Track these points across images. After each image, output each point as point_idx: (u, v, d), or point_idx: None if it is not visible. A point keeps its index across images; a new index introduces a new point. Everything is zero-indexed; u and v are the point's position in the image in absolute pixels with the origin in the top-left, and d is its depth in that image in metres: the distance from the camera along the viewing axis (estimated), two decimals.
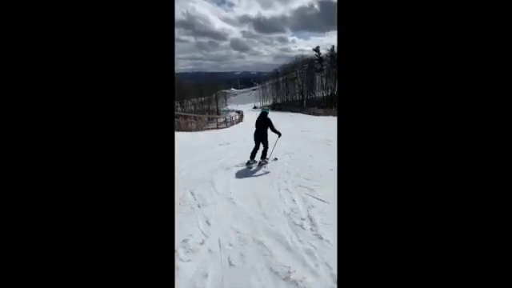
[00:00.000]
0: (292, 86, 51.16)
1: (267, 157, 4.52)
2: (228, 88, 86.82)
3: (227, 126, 15.34)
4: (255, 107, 59.59)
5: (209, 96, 53.44)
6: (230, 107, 53.87)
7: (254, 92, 76.54)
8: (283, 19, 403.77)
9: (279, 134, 4.65)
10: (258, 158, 4.47)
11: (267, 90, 59.74)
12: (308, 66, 48.80)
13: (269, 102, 57.21)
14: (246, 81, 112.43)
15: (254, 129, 4.52)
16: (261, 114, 4.54)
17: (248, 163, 4.29)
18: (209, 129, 13.24)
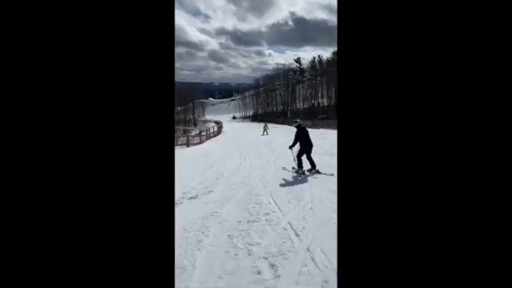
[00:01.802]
0: (273, 97, 49.65)
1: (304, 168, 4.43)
2: (206, 98, 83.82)
3: (201, 142, 12.47)
4: (234, 117, 57.78)
5: (185, 106, 50.44)
6: (208, 117, 51.04)
7: (233, 102, 74.51)
8: (259, 33, 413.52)
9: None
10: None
11: (247, 101, 57.88)
12: (290, 76, 47.67)
13: (249, 113, 55.40)
14: (226, 91, 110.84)
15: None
16: (300, 129, 4.49)
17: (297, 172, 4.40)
18: (177, 144, 10.31)
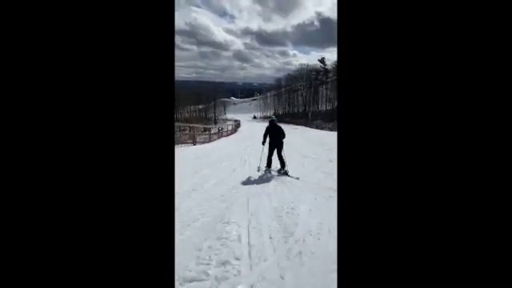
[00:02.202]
0: (295, 98, 48.14)
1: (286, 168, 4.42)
2: (228, 97, 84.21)
3: (210, 140, 11.68)
4: (255, 117, 57.04)
5: (207, 104, 50.65)
6: (229, 116, 50.81)
7: (255, 102, 73.71)
8: (284, 33, 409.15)
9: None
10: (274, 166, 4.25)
11: (268, 101, 56.83)
12: (313, 76, 45.80)
13: (269, 113, 54.34)
14: (248, 91, 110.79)
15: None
16: (272, 125, 4.54)
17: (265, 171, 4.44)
18: (185, 142, 9.60)
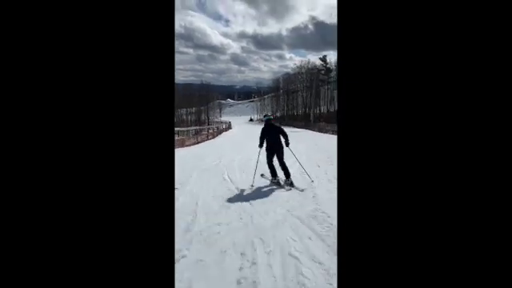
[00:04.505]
0: (294, 98, 44.80)
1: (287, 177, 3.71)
2: (224, 99, 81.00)
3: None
4: (251, 119, 53.74)
5: (198, 107, 47.31)
6: (223, 119, 47.54)
7: (252, 104, 70.41)
8: (280, 37, 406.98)
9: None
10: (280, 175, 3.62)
11: (265, 102, 53.52)
12: (312, 76, 42.43)
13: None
14: (246, 94, 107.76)
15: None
16: (268, 125, 3.82)
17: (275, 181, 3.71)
18: None
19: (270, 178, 3.77)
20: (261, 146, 3.87)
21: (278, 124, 3.91)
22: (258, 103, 57.63)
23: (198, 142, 10.16)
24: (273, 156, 3.74)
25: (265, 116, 3.97)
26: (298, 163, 4.21)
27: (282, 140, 3.70)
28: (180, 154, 7.04)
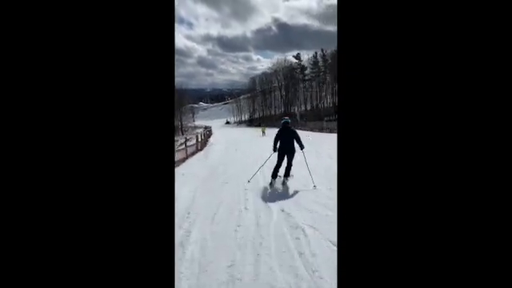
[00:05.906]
0: (272, 98, 43.60)
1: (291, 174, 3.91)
2: (196, 103, 77.65)
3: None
4: (228, 122, 51.63)
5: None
6: (197, 123, 44.69)
7: (226, 106, 68.17)
8: (245, 38, 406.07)
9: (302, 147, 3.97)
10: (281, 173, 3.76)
11: (241, 104, 51.69)
12: (289, 74, 41.59)
13: (244, 117, 49.22)
14: (217, 97, 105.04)
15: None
16: (283, 126, 3.86)
17: (271, 183, 3.76)
18: None
19: (271, 179, 3.81)
20: (275, 149, 3.87)
21: (293, 128, 3.91)
22: (234, 105, 55.57)
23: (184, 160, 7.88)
24: (283, 158, 3.77)
25: (282, 119, 3.98)
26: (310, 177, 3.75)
27: (296, 144, 3.77)
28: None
